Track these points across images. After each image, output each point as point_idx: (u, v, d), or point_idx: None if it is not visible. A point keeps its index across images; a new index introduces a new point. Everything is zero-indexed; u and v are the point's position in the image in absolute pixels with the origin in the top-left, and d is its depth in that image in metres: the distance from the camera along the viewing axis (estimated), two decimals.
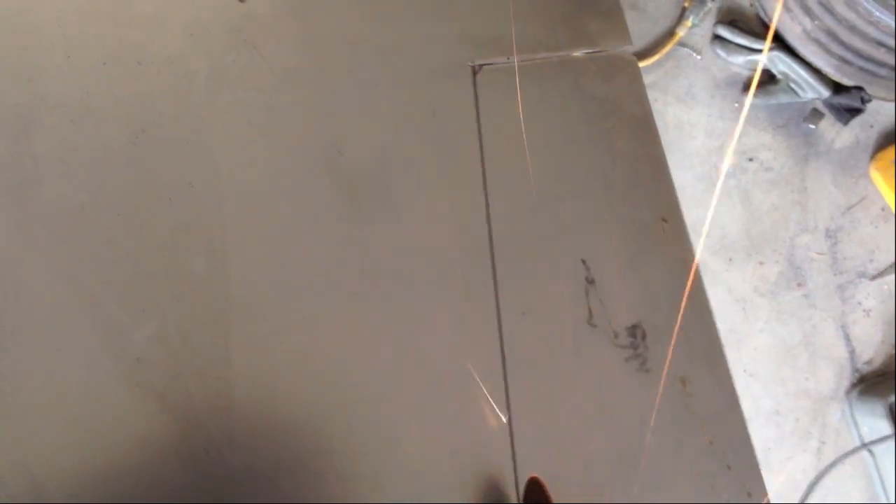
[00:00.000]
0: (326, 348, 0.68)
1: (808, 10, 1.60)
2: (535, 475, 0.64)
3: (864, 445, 1.49)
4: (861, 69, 1.61)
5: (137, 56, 0.72)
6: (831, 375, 1.58)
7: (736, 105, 1.67)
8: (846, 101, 1.65)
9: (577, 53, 0.83)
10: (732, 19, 1.74)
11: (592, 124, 0.80)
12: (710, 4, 1.70)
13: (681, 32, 1.69)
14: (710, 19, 1.74)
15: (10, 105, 0.69)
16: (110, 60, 0.72)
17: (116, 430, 0.63)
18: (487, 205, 0.75)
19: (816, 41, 1.61)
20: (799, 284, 1.59)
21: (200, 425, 0.64)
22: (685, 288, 0.75)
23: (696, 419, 0.73)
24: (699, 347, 0.75)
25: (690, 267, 0.76)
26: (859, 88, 1.64)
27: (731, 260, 1.59)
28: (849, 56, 1.60)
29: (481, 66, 0.80)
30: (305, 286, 0.70)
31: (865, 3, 1.49)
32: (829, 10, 1.56)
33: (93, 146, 0.69)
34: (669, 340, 0.73)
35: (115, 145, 0.69)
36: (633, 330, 0.74)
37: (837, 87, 1.66)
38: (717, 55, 1.70)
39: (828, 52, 1.61)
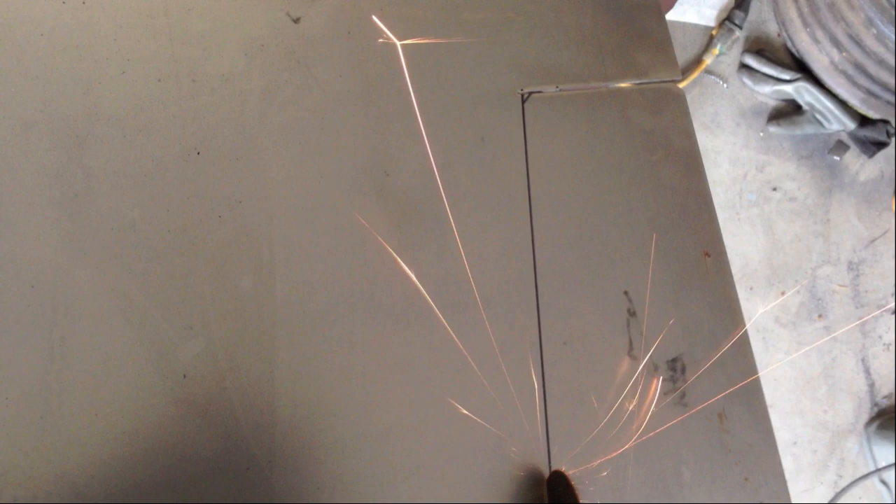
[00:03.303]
0: (369, 370, 0.69)
1: (836, 42, 1.60)
2: (560, 469, 0.64)
3: (877, 471, 1.49)
4: (888, 103, 1.62)
5: (192, 73, 0.73)
6: (850, 408, 1.57)
7: (761, 134, 1.68)
8: (871, 134, 1.66)
9: (626, 84, 0.83)
10: (760, 48, 1.74)
11: (639, 155, 0.80)
12: (737, 33, 1.71)
13: (708, 60, 1.70)
14: (738, 48, 1.75)
15: (64, 117, 0.69)
16: (165, 77, 0.72)
17: (160, 445, 0.63)
18: (532, 232, 0.75)
19: (844, 73, 1.62)
20: (820, 316, 1.59)
21: (243, 443, 0.64)
22: (726, 322, 0.75)
23: (733, 455, 0.73)
24: (737, 383, 0.75)
25: (732, 302, 0.76)
26: (885, 122, 1.65)
27: (752, 289, 1.59)
28: (876, 89, 1.60)
29: (530, 93, 0.80)
30: (350, 307, 0.70)
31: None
32: (858, 43, 1.57)
33: (145, 161, 0.70)
34: (709, 375, 0.73)
35: (168, 161, 0.70)
36: (674, 363, 0.74)
37: (863, 120, 1.67)
38: (744, 84, 1.71)
39: (855, 84, 1.62)
